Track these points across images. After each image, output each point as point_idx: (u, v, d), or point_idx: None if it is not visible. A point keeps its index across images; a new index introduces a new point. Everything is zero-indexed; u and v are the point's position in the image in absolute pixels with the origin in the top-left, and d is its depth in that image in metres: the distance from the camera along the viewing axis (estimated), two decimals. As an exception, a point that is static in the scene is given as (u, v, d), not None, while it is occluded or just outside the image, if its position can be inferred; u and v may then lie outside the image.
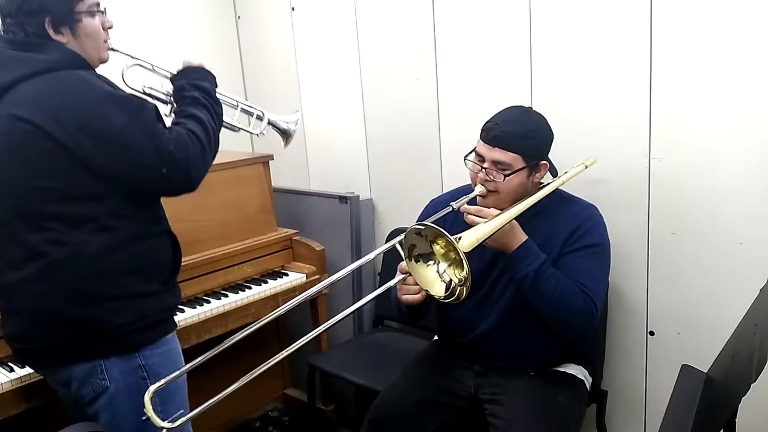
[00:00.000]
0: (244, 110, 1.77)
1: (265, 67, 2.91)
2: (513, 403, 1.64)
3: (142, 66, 1.61)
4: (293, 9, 2.67)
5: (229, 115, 1.69)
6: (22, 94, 1.38)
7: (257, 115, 1.79)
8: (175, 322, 1.60)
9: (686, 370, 1.18)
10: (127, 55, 1.58)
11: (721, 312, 1.77)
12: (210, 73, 1.62)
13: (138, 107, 1.40)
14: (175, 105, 1.57)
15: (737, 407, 1.20)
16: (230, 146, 2.59)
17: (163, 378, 1.36)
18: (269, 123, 1.81)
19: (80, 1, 1.43)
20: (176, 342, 1.59)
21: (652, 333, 1.94)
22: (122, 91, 1.44)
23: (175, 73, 1.60)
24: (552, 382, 1.72)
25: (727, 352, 1.13)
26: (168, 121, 1.51)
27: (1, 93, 1.39)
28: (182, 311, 2.10)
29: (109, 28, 1.52)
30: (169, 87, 1.61)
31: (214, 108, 1.56)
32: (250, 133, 1.79)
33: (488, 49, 2.10)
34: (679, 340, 1.89)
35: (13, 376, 1.74)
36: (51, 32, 1.41)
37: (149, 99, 1.55)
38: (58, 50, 1.42)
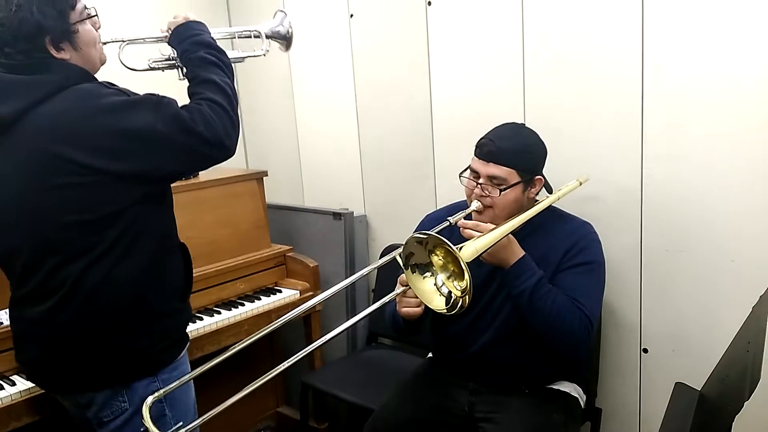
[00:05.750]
0: (241, 37, 1.77)
1: (260, 83, 2.92)
2: (507, 422, 1.63)
3: (133, 43, 1.61)
4: (288, 27, 2.69)
5: (230, 50, 1.65)
6: (41, 124, 1.34)
7: (254, 35, 1.78)
8: (188, 336, 1.60)
9: (680, 388, 1.18)
10: (114, 41, 1.56)
11: (715, 329, 1.77)
12: (200, 22, 1.60)
13: (156, 103, 1.39)
14: (184, 69, 1.56)
15: (731, 425, 1.20)
16: (225, 163, 2.59)
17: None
18: (268, 37, 1.80)
19: (72, 11, 1.40)
20: (188, 367, 1.57)
21: (645, 350, 1.94)
22: (135, 93, 1.42)
23: (169, 35, 1.59)
24: (546, 400, 1.72)
25: (721, 370, 1.13)
26: (183, 92, 1.50)
27: (14, 121, 1.35)
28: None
29: (98, 28, 1.49)
30: (168, 50, 1.61)
31: (222, 60, 1.54)
32: (257, 55, 1.78)
33: (482, 67, 2.12)
34: (672, 357, 1.89)
35: (13, 390, 1.73)
36: (54, 51, 1.38)
37: (159, 72, 1.58)
38: (62, 67, 1.39)
